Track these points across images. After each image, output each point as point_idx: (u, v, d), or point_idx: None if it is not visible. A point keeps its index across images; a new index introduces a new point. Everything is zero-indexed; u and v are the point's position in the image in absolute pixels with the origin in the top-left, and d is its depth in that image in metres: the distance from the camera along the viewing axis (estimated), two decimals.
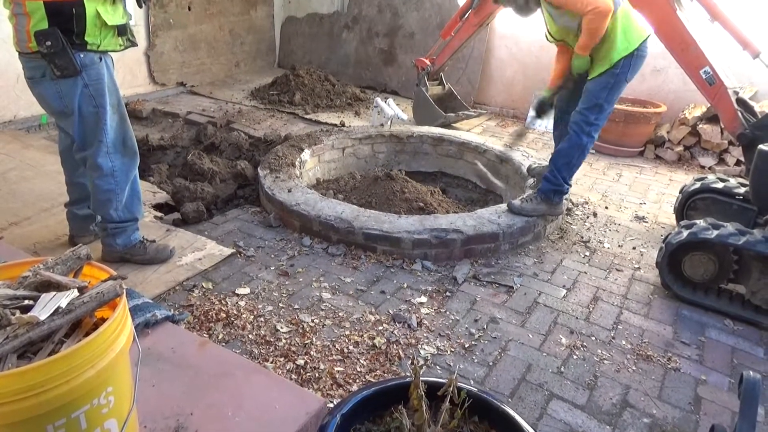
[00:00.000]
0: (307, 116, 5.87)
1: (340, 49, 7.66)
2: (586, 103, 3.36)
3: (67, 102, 2.54)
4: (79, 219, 3.04)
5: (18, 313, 1.18)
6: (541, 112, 3.94)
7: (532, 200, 3.54)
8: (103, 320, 1.32)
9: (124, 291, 1.32)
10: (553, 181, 3.51)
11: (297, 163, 4.15)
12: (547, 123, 5.54)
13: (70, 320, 1.22)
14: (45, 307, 1.19)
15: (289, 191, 3.66)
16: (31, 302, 1.23)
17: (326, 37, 7.76)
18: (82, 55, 2.47)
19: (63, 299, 1.22)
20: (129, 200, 2.85)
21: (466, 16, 5.16)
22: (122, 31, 2.59)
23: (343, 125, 5.45)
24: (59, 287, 1.29)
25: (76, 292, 1.27)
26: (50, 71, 2.44)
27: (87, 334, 1.25)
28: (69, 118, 2.60)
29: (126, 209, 2.85)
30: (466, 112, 5.91)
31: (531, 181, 4.05)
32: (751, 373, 1.34)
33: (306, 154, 4.37)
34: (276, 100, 6.33)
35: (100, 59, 2.56)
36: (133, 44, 2.74)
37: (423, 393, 1.32)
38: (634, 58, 3.22)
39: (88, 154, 2.70)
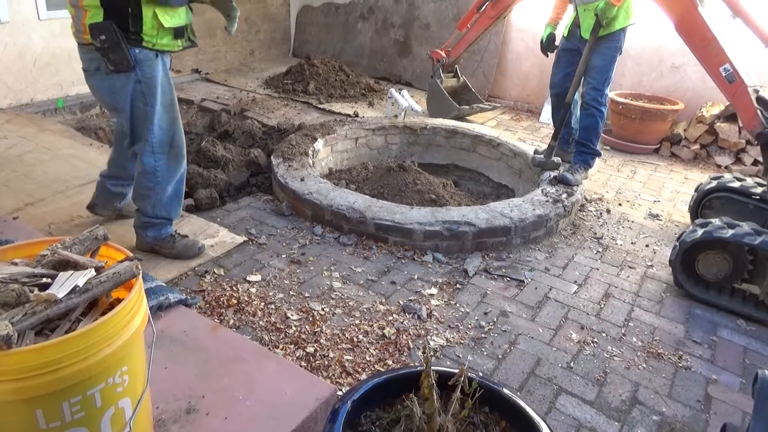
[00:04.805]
0: (321, 106, 5.87)
1: (355, 40, 7.63)
2: (598, 78, 3.92)
3: (118, 98, 2.51)
4: (108, 193, 3.04)
5: (36, 291, 1.19)
6: (548, 49, 4.56)
7: (579, 171, 4.04)
8: (119, 300, 1.33)
9: (140, 272, 1.33)
10: (590, 151, 4.14)
11: (310, 153, 4.15)
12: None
13: (87, 299, 1.23)
14: (63, 286, 1.20)
15: (302, 180, 3.67)
16: (48, 280, 1.24)
17: (341, 26, 7.73)
18: (137, 51, 2.42)
19: (80, 278, 1.23)
20: (169, 200, 2.83)
21: (483, 8, 5.12)
22: (180, 33, 2.53)
23: (357, 116, 5.44)
24: (77, 266, 1.29)
25: (93, 272, 1.28)
26: (104, 65, 2.41)
27: (103, 314, 1.26)
28: (120, 113, 2.58)
29: (164, 208, 2.83)
30: (480, 105, 5.88)
31: (540, 159, 4.26)
32: (767, 372, 1.33)
33: (319, 144, 4.37)
34: (290, 89, 6.33)
35: (156, 56, 2.50)
36: (193, 44, 2.68)
37: (434, 382, 1.32)
38: (624, 34, 3.87)
39: (136, 149, 2.70)
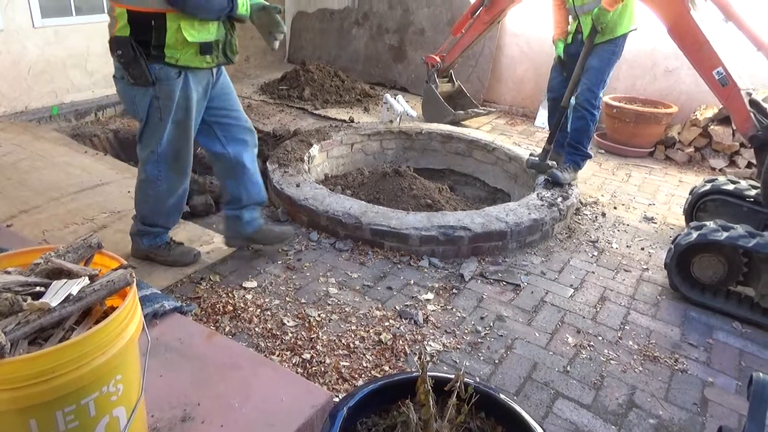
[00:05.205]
0: (316, 111, 5.87)
1: (350, 45, 7.65)
2: (593, 79, 3.90)
3: (138, 108, 2.53)
4: (226, 219, 3.07)
5: (29, 300, 1.18)
6: (564, 64, 4.36)
7: (568, 170, 4.07)
8: (113, 309, 1.32)
9: (134, 280, 1.33)
10: (580, 153, 4.15)
11: (306, 158, 4.15)
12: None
13: (80, 307, 1.23)
14: (56, 294, 1.20)
15: (298, 186, 3.67)
16: (42, 289, 1.24)
17: (336, 32, 7.75)
18: (157, 68, 2.40)
19: (74, 287, 1.23)
20: (168, 212, 2.83)
21: (478, 13, 5.13)
22: (206, 49, 2.47)
23: (352, 121, 5.45)
24: (70, 275, 1.29)
25: (86, 280, 1.27)
26: (126, 76, 2.43)
27: (97, 322, 1.26)
28: (138, 120, 2.60)
29: (161, 218, 2.83)
30: (475, 110, 5.90)
31: (534, 161, 4.22)
32: (761, 374, 1.33)
33: (315, 150, 4.37)
34: (285, 95, 6.34)
35: (180, 74, 2.46)
36: (229, 62, 2.65)
37: (430, 388, 1.32)
38: (626, 39, 3.87)
39: (142, 155, 2.69)
